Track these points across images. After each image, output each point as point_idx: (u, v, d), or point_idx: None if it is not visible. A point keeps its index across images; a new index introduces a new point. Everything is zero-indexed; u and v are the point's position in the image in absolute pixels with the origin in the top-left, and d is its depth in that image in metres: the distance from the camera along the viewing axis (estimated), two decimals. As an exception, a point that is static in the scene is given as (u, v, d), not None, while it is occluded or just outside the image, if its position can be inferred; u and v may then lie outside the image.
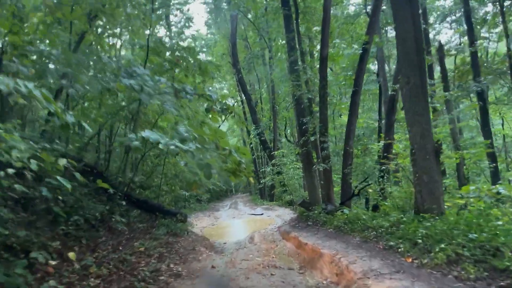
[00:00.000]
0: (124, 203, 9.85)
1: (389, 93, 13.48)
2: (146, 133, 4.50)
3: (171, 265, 7.10)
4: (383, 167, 10.68)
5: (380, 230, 7.07)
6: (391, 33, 17.54)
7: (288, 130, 31.55)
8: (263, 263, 7.67)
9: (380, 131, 14.76)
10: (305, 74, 13.12)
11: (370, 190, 9.17)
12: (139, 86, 5.99)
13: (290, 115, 21.14)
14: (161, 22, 20.67)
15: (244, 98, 24.92)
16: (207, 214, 19.42)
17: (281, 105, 25.63)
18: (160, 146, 4.46)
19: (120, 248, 7.39)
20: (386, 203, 9.63)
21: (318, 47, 15.18)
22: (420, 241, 5.68)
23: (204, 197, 23.55)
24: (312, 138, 13.12)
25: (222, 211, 21.79)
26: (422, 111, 7.24)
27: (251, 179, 5.65)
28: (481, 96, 13.62)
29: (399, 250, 5.88)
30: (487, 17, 16.34)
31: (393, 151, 10.90)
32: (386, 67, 18.52)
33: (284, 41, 18.63)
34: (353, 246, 6.91)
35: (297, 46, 14.43)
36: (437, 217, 6.35)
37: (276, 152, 19.87)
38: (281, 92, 24.37)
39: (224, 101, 8.11)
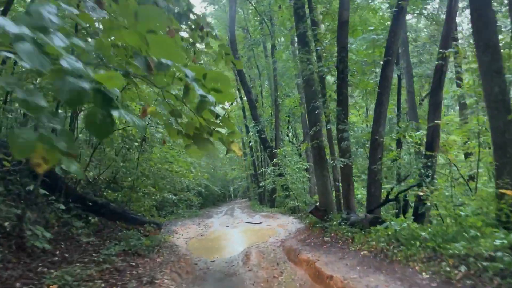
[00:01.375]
0: (62, 207, 6.72)
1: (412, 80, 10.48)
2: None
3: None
4: (428, 162, 7.56)
5: (475, 263, 3.92)
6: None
7: (290, 133, 28.61)
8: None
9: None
10: (321, 44, 10.06)
11: (421, 193, 6.06)
12: None
13: (295, 102, 17.97)
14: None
15: (243, 91, 21.86)
16: (197, 222, 16.25)
17: (283, 104, 22.67)
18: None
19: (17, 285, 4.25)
20: (439, 211, 6.50)
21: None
22: None
23: (195, 202, 20.39)
24: (326, 127, 10.07)
25: (215, 218, 18.62)
26: None
27: (236, 149, 2.41)
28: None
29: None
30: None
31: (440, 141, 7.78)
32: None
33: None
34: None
35: (308, 14, 11.41)
36: None
37: (278, 150, 16.77)
38: (284, 85, 21.33)
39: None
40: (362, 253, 5.79)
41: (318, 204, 10.95)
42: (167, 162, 11.56)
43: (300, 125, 26.34)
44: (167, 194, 16.74)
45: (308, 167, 17.03)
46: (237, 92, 26.83)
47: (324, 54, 10.11)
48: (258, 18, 20.69)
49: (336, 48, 9.95)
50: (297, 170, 15.69)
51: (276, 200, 20.69)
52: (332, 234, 7.86)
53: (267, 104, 23.95)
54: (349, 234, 7.11)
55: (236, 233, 13.74)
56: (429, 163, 7.62)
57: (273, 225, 14.19)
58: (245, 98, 25.24)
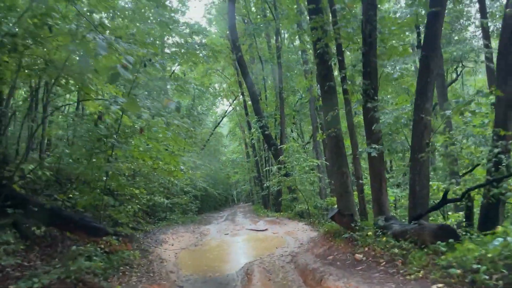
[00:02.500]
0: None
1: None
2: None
3: None
4: (499, 146, 5.21)
5: None
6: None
7: (295, 133, 26.28)
8: None
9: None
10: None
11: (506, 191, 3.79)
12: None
13: (303, 88, 15.57)
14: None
15: (244, 83, 19.63)
16: (192, 229, 13.91)
17: (289, 99, 20.39)
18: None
19: None
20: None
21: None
22: None
23: (193, 207, 18.04)
24: (346, 112, 7.76)
25: (213, 224, 16.28)
26: None
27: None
28: None
29: None
30: None
31: None
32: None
33: None
34: None
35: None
36: None
37: (284, 146, 14.47)
38: (289, 75, 19.05)
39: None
40: (436, 286, 3.43)
41: (336, 207, 8.59)
42: (150, 157, 9.33)
43: (306, 124, 24.05)
44: (158, 198, 14.44)
45: (319, 164, 14.70)
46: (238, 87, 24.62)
47: (344, 14, 7.79)
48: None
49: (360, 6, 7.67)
50: (307, 169, 13.38)
51: (282, 204, 18.30)
52: (367, 249, 5.51)
53: (271, 98, 21.57)
54: (396, 250, 4.76)
55: (236, 243, 11.40)
56: (499, 148, 5.26)
57: (280, 233, 11.84)
58: (246, 94, 22.99)
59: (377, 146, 6.36)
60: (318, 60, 9.01)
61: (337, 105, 8.84)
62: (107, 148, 8.75)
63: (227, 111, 32.65)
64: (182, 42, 21.91)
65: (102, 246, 5.83)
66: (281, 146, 15.51)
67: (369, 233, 5.79)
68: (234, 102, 30.74)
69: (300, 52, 17.80)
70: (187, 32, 20.27)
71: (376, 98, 7.06)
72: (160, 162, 10.28)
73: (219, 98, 34.24)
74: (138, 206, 11.16)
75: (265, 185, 18.47)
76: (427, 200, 6.13)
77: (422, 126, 6.19)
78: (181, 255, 10.04)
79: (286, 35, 21.99)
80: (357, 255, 5.43)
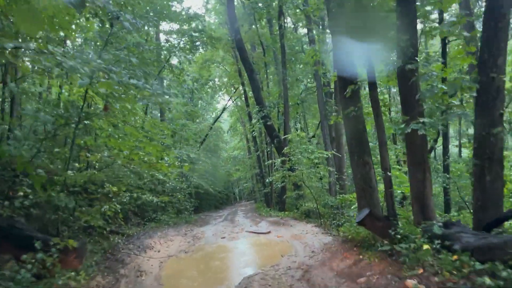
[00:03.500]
0: None
1: None
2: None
3: None
4: None
5: None
6: None
7: (299, 124, 24.30)
8: None
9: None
10: None
11: None
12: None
13: (310, 61, 13.51)
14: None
15: (244, 70, 17.67)
16: (184, 232, 12.00)
17: (293, 88, 18.38)
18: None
19: None
20: None
21: None
22: None
23: (187, 205, 16.11)
24: (369, 85, 5.82)
25: (210, 226, 14.37)
26: None
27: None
28: None
29: None
30: None
31: None
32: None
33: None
34: None
35: None
36: None
37: (289, 136, 12.53)
38: (294, 60, 17.09)
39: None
40: None
41: (367, 209, 6.65)
42: (127, 147, 7.44)
43: (311, 117, 22.05)
44: (147, 196, 12.55)
45: (329, 156, 12.74)
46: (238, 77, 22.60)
47: None
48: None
49: None
50: (315, 161, 11.44)
51: (287, 202, 16.37)
52: (421, 272, 3.58)
53: (273, 88, 19.48)
54: (488, 281, 2.84)
55: (233, 249, 9.49)
56: None
57: (285, 236, 9.91)
58: (247, 83, 21.01)
59: (426, 120, 4.42)
60: (334, 9, 7.01)
61: (357, 75, 6.92)
62: (70, 133, 6.89)
63: (227, 105, 30.74)
64: (178, 27, 20.09)
65: (30, 266, 3.93)
66: (286, 136, 13.55)
67: (425, 246, 3.84)
68: (235, 93, 28.81)
69: (306, 30, 15.82)
70: (184, 18, 18.37)
71: (415, 57, 5.10)
72: (141, 153, 8.39)
73: (220, 92, 32.35)
74: (118, 206, 9.24)
75: (267, 180, 16.51)
76: (502, 196, 4.19)
77: (493, 90, 4.23)
78: (167, 265, 8.18)
79: (289, 19, 20.02)
80: (408, 280, 3.49)
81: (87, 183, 8.08)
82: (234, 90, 29.30)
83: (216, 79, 31.41)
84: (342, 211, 11.16)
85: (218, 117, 30.57)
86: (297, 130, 20.07)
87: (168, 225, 12.75)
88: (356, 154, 7.24)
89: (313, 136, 21.24)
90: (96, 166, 8.44)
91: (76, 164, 7.81)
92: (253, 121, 18.60)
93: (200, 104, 30.41)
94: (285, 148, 12.33)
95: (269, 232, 10.75)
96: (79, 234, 7.50)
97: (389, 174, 6.10)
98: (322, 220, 10.74)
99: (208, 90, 30.30)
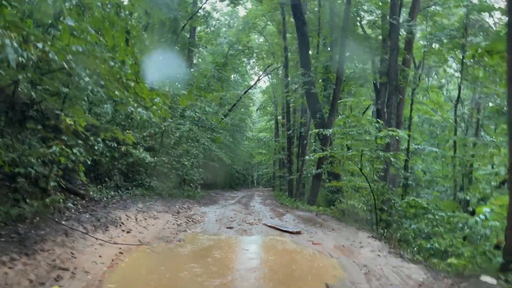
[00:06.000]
0: None
1: None
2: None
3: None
4: None
5: None
6: None
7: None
8: None
9: None
10: None
11: None
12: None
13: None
14: None
15: (294, 17, 13.59)
16: (177, 209, 8.37)
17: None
18: None
19: None
20: None
21: None
22: None
23: (195, 176, 12.48)
24: None
25: (217, 206, 10.74)
26: None
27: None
28: None
29: None
30: None
31: None
32: None
33: None
34: None
35: None
36: None
37: (349, 101, 8.52)
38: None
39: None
40: None
41: None
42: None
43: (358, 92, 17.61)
44: (137, 152, 9.00)
45: (393, 142, 8.69)
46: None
47: None
48: None
49: None
50: (382, 143, 7.48)
51: (319, 193, 12.44)
52: None
53: (322, 54, 15.04)
54: None
55: (241, 251, 5.75)
56: None
57: (326, 245, 6.03)
58: (288, 51, 16.92)
59: None
60: None
61: None
62: None
63: (262, 76, 26.93)
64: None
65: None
66: (336, 105, 9.51)
67: None
68: (274, 67, 24.86)
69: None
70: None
71: None
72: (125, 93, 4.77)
73: (254, 62, 28.40)
74: (80, 152, 5.67)
75: (304, 158, 12.55)
76: None
77: None
78: (125, 263, 4.61)
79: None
80: None
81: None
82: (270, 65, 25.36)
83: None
84: (410, 222, 7.13)
85: (250, 88, 26.76)
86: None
87: (160, 195, 9.16)
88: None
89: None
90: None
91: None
92: (292, 86, 14.52)
93: (233, 77, 26.79)
94: (328, 131, 8.21)
95: (299, 233, 6.91)
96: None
97: None
98: (386, 231, 6.78)
99: (243, 59, 26.47)
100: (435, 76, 22.18)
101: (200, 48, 17.68)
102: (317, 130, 8.53)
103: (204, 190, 15.49)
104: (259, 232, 7.09)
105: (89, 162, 6.72)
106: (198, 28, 19.18)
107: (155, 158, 9.52)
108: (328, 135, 8.46)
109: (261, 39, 27.36)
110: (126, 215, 6.63)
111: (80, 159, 5.66)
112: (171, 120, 10.57)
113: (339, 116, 10.46)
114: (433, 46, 15.30)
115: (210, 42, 19.58)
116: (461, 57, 14.01)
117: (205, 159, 15.73)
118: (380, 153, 7.11)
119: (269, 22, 23.57)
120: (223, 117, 18.21)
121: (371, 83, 13.62)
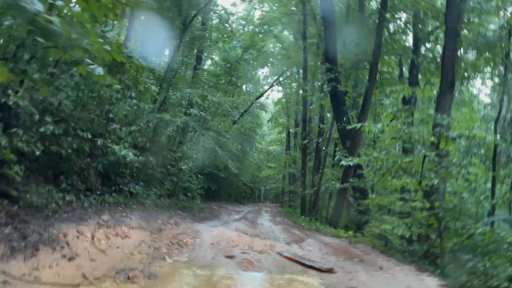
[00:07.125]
0: None
1: None
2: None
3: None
4: None
5: None
6: None
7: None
8: None
9: None
10: None
11: None
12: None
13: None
14: None
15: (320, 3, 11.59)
16: (160, 225, 6.14)
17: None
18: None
19: None
20: None
21: None
22: None
23: (194, 185, 10.25)
24: None
25: (216, 222, 8.43)
26: None
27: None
28: None
29: None
30: None
31: None
32: None
33: None
34: None
35: None
36: None
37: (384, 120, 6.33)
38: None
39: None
40: None
41: None
42: None
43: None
44: (120, 149, 6.85)
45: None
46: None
47: None
48: None
49: None
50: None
51: (343, 215, 10.05)
52: None
53: (350, 45, 12.86)
54: None
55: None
56: None
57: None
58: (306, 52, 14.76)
59: None
60: None
61: None
62: None
63: (278, 79, 25.23)
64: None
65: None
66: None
67: None
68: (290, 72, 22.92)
69: None
70: None
71: None
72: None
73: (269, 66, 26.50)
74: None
75: (319, 174, 10.28)
76: None
77: None
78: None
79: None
80: None
81: None
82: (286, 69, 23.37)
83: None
84: (486, 262, 4.75)
85: (263, 94, 24.79)
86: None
87: (142, 205, 6.89)
88: None
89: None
90: None
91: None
92: (317, 82, 12.28)
93: (245, 87, 24.98)
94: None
95: (331, 271, 4.58)
96: None
97: None
98: (459, 273, 4.41)
99: (257, 65, 24.66)
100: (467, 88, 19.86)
101: (209, 43, 15.84)
102: (355, 125, 6.21)
103: (205, 201, 13.23)
104: (271, 265, 4.79)
105: (37, 153, 4.72)
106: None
107: (140, 157, 7.33)
108: (375, 131, 6.18)
109: (276, 47, 25.57)
110: (78, 231, 4.43)
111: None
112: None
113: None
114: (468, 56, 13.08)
115: (222, 39, 17.66)
116: (503, 67, 11.73)
117: (210, 167, 13.58)
118: (454, 161, 4.80)
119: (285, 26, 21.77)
120: (235, 121, 16.14)
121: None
